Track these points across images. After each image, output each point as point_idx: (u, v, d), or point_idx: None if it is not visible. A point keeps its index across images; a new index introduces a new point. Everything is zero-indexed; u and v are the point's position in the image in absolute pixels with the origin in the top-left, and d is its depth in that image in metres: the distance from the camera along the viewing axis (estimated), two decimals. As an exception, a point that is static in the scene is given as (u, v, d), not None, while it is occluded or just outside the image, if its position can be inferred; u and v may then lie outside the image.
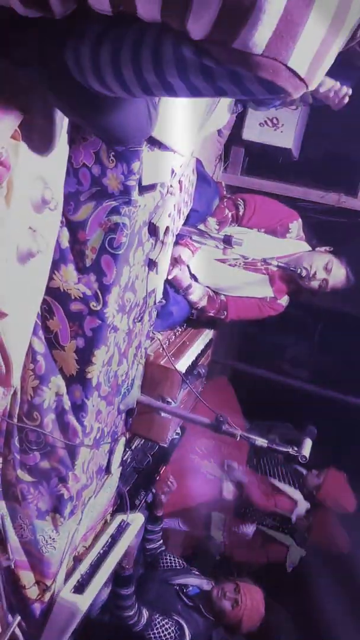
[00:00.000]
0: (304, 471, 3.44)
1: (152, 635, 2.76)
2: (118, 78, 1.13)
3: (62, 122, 1.62)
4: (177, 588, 3.05)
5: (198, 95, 1.10)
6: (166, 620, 2.81)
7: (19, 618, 1.92)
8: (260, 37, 0.85)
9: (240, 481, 3.23)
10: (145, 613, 2.76)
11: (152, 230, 1.92)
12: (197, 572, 3.20)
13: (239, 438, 2.19)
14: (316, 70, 0.92)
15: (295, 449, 2.17)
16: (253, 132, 3.05)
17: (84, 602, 1.99)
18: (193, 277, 2.74)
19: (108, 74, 1.14)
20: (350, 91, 2.16)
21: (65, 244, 1.79)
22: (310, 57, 0.89)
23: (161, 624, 2.78)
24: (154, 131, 1.65)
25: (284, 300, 2.94)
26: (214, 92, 1.04)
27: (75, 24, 1.10)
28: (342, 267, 2.68)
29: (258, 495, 3.27)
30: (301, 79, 0.91)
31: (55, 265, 1.79)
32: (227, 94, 1.05)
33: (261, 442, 2.19)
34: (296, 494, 3.29)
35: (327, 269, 2.64)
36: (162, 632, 2.78)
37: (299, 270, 2.59)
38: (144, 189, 1.77)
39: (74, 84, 1.28)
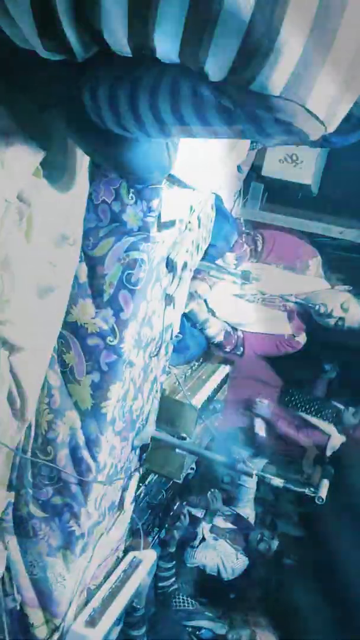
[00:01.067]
0: (342, 406, 3.29)
1: None
2: (136, 119, 1.13)
3: (82, 160, 1.65)
4: (190, 630, 2.98)
5: (215, 137, 1.11)
6: None
7: (26, 658, 1.88)
8: (278, 79, 0.86)
9: (270, 417, 3.13)
10: None
11: (170, 265, 1.92)
12: (210, 614, 3.14)
13: (254, 477, 2.16)
14: (335, 111, 0.92)
15: (312, 489, 2.13)
16: (272, 168, 3.07)
17: (95, 636, 1.94)
18: (211, 311, 2.74)
19: (125, 114, 1.14)
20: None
21: (83, 278, 1.80)
22: (330, 99, 0.89)
23: None
24: (173, 169, 1.67)
25: (301, 338, 2.92)
26: (232, 133, 1.04)
27: (94, 66, 1.11)
28: None
29: (288, 430, 3.17)
30: (320, 121, 0.91)
31: (73, 300, 1.80)
32: (245, 135, 1.05)
33: (277, 481, 2.15)
34: (330, 428, 3.16)
35: (344, 308, 2.63)
36: None
37: (316, 307, 2.58)
38: (162, 226, 1.78)
39: (93, 124, 1.30)
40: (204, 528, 3.26)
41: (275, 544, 3.35)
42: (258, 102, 0.90)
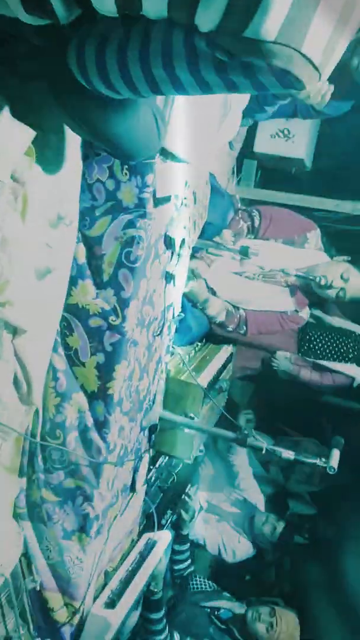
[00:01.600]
0: None
1: None
2: (124, 76, 1.11)
3: (75, 139, 1.63)
4: (209, 611, 2.99)
5: (208, 91, 1.08)
6: None
7: (48, 642, 1.88)
8: (272, 23, 0.84)
9: (291, 369, 3.10)
10: (176, 637, 2.70)
11: (168, 242, 1.91)
12: (228, 595, 3.14)
13: (264, 451, 2.16)
14: (329, 58, 0.90)
15: (324, 459, 2.12)
16: (265, 144, 3.06)
17: (115, 617, 1.95)
18: (211, 291, 2.72)
19: (114, 72, 1.12)
20: (332, 87, 2.15)
21: (81, 259, 1.79)
22: (324, 43, 0.88)
23: None
24: (166, 143, 1.66)
25: (304, 313, 2.91)
26: (226, 87, 1.02)
27: (78, 28, 1.09)
28: None
29: (312, 377, 3.14)
30: (315, 67, 0.89)
31: (73, 281, 1.79)
32: (238, 88, 1.03)
33: (287, 454, 2.14)
34: (352, 369, 3.12)
35: (344, 278, 2.61)
36: None
37: (317, 279, 2.56)
38: (158, 201, 1.77)
39: (82, 99, 1.28)
40: (200, 496, 3.24)
41: (281, 525, 3.33)
42: (252, 50, 0.88)
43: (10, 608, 1.52)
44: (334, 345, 3.06)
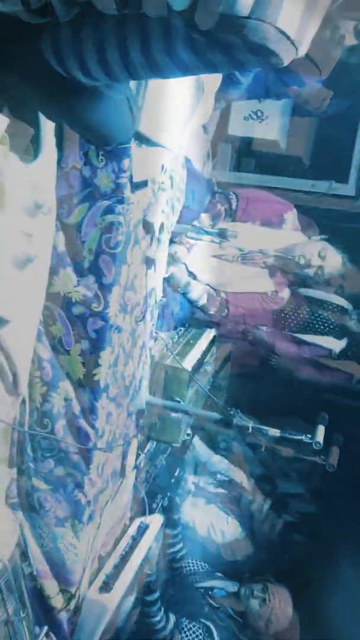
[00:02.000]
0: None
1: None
2: (102, 61, 1.11)
3: (49, 126, 1.62)
4: (203, 591, 3.03)
5: (186, 73, 1.08)
6: (193, 624, 2.78)
7: (46, 628, 1.90)
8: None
9: (268, 340, 3.13)
10: (172, 618, 2.73)
11: (147, 227, 1.92)
12: (220, 575, 3.18)
13: (250, 430, 2.19)
14: (305, 32, 0.91)
15: (309, 436, 2.16)
16: (238, 126, 3.06)
17: (111, 601, 1.98)
18: (191, 275, 2.74)
19: (91, 58, 1.11)
20: (331, 93, 2.19)
21: (61, 247, 1.78)
22: (299, 18, 0.88)
23: (188, 627, 2.76)
24: (141, 127, 1.66)
25: (285, 293, 2.94)
26: (204, 67, 1.02)
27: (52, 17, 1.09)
28: (337, 254, 2.69)
29: (288, 348, 3.17)
30: (292, 42, 0.90)
31: (54, 270, 1.79)
32: (216, 67, 1.03)
33: (273, 432, 2.18)
34: (327, 341, 3.16)
35: (321, 256, 2.65)
36: (190, 635, 2.75)
37: (296, 258, 2.59)
38: (135, 186, 1.77)
39: (54, 81, 1.27)
40: (189, 480, 3.28)
41: (268, 503, 3.39)
42: (228, 26, 0.88)
43: (9, 592, 1.53)
44: (309, 318, 3.07)
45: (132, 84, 1.56)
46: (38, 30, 1.14)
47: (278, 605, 2.87)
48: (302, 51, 0.94)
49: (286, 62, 0.94)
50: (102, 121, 1.43)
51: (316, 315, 3.08)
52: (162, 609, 2.67)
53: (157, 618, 2.64)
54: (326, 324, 3.07)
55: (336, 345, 3.10)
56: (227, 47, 0.93)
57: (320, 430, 2.20)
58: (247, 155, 3.34)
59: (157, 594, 2.65)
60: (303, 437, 2.17)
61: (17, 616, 1.55)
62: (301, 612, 3.04)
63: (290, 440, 2.21)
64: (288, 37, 0.89)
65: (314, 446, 2.15)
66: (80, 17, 1.06)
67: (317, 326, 3.07)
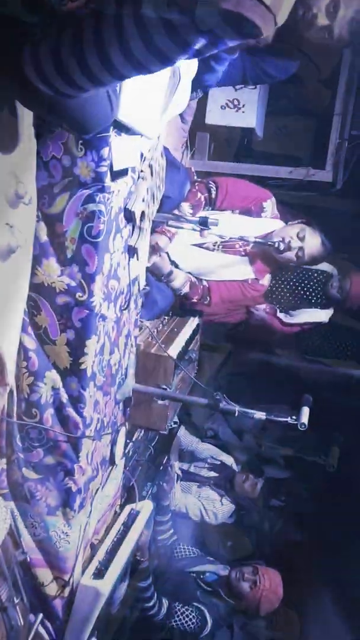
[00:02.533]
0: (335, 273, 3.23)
1: (175, 624, 2.77)
2: (83, 68, 1.12)
3: (27, 116, 1.63)
4: (195, 575, 3.07)
5: (167, 61, 1.09)
6: (186, 608, 2.82)
7: (40, 616, 1.91)
8: None
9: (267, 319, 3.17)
10: (165, 603, 2.77)
11: (128, 216, 1.93)
12: (211, 559, 3.23)
13: (237, 414, 2.22)
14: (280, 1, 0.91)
15: (294, 417, 2.20)
16: (215, 115, 3.08)
17: (104, 586, 2.00)
18: (173, 264, 2.76)
19: (72, 66, 1.13)
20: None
21: (43, 237, 1.79)
22: None
23: (182, 611, 2.80)
24: (119, 115, 1.67)
25: (265, 281, 2.97)
26: (183, 50, 1.03)
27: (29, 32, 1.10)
28: (316, 235, 2.73)
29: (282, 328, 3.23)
30: (267, 7, 0.89)
31: (37, 260, 1.79)
32: (196, 50, 1.04)
33: (259, 415, 2.21)
34: (316, 315, 3.19)
35: (300, 237, 2.69)
36: (184, 619, 2.80)
37: (276, 244, 2.63)
38: (116, 175, 1.78)
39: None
40: (174, 466, 3.32)
41: (261, 482, 3.47)
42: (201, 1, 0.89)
43: (2, 579, 1.55)
44: (298, 291, 3.10)
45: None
46: (18, 47, 1.15)
47: (269, 587, 2.93)
48: (281, 20, 0.94)
49: (265, 32, 0.94)
50: (82, 109, 1.44)
51: (302, 285, 3.11)
52: (156, 594, 2.71)
53: (151, 603, 2.69)
54: (313, 294, 3.11)
55: (324, 316, 3.16)
56: (202, 24, 0.93)
57: (305, 412, 2.23)
58: (225, 145, 3.37)
59: (149, 580, 2.69)
60: (288, 419, 2.20)
61: (10, 602, 1.57)
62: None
63: (276, 423, 2.25)
64: (262, 3, 0.89)
65: (299, 427, 2.18)
66: (55, 32, 1.08)
67: (305, 297, 3.11)
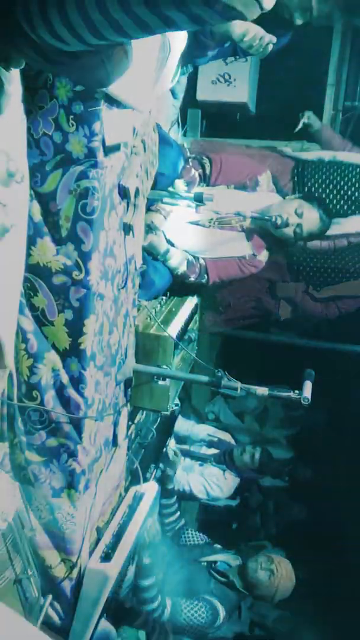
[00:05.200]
0: None
1: (184, 621, 2.73)
2: (66, 24, 1.12)
3: (16, 93, 1.59)
4: (206, 565, 3.06)
5: (148, 31, 1.08)
6: (195, 603, 2.78)
7: (50, 598, 1.91)
8: None
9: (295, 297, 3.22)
10: (168, 604, 2.70)
11: (122, 192, 1.90)
12: (220, 547, 3.22)
13: (239, 390, 2.20)
14: None
15: (297, 392, 2.18)
16: (207, 91, 3.03)
17: (112, 569, 2.00)
18: (169, 242, 2.72)
19: (56, 22, 1.12)
20: (274, 39, 2.14)
21: (37, 217, 1.76)
22: None
23: (189, 607, 2.75)
24: (110, 87, 1.63)
25: (263, 256, 2.94)
26: (163, 24, 1.02)
27: None
28: (314, 210, 2.69)
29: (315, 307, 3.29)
30: None
31: (31, 240, 1.77)
32: (176, 24, 1.03)
33: (261, 390, 2.19)
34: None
35: (298, 214, 2.65)
36: (193, 614, 2.75)
37: (273, 219, 2.59)
38: (108, 150, 1.75)
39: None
40: (170, 444, 3.31)
41: (258, 451, 3.50)
42: None
43: (16, 552, 1.55)
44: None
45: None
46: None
47: (285, 575, 2.94)
48: (268, 5, 0.91)
49: (250, 17, 0.91)
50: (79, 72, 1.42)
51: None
52: (159, 595, 2.64)
53: (154, 605, 2.61)
54: None
55: None
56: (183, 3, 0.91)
57: (308, 386, 2.21)
58: (217, 120, 3.32)
59: (153, 579, 2.63)
60: (291, 394, 2.18)
61: (25, 574, 1.57)
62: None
63: (279, 398, 2.23)
64: None
65: (302, 402, 2.17)
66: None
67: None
